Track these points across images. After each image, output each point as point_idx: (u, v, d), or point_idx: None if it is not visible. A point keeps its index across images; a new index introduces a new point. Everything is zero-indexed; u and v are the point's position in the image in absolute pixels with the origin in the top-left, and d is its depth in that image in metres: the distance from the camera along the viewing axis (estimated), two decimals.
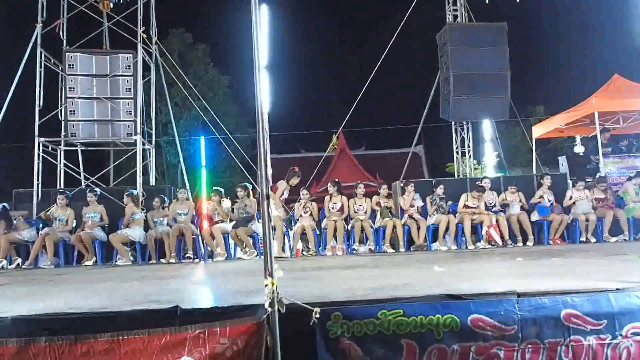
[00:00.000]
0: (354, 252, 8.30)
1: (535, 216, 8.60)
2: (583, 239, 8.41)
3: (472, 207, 8.53)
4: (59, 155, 9.96)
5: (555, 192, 8.80)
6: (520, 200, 8.72)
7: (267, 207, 2.85)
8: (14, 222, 8.11)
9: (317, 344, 2.67)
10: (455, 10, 12.02)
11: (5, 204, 8.28)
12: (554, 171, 11.44)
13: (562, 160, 11.11)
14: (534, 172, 11.92)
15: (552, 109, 16.06)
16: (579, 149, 11.33)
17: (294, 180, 8.57)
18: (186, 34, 22.15)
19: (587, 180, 9.21)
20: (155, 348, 2.56)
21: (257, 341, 2.64)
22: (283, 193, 8.41)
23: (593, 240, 8.37)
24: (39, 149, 9.31)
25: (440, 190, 8.59)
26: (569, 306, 2.70)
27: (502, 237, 8.22)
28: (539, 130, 12.30)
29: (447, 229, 8.34)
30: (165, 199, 8.56)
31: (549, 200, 8.60)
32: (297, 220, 8.51)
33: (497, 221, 8.29)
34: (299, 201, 8.64)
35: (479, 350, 2.67)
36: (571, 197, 8.70)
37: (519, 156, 21.34)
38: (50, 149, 9.66)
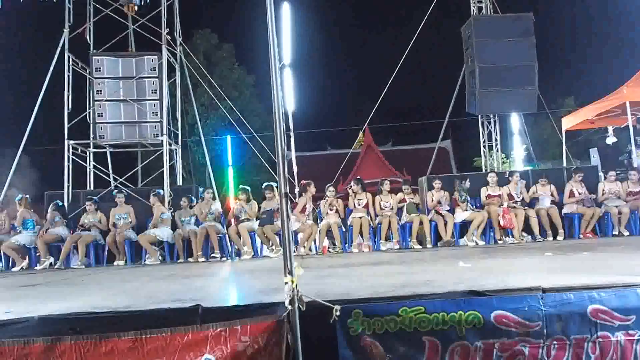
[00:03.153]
0: (381, 248, 8.26)
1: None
2: (616, 232, 8.17)
3: (494, 196, 8.44)
4: (88, 158, 10.17)
5: (587, 185, 8.59)
6: (551, 194, 8.54)
7: (286, 206, 2.85)
8: (55, 219, 8.39)
9: (338, 341, 2.66)
10: (480, 2, 11.83)
11: (58, 201, 8.65)
12: (585, 163, 11.18)
13: (594, 152, 10.87)
14: (564, 165, 11.66)
15: (583, 100, 15.70)
16: (612, 139, 11.04)
17: (311, 191, 8.49)
18: (211, 35, 22.38)
19: (618, 171, 8.96)
20: (178, 346, 2.59)
21: (277, 339, 2.64)
22: (305, 206, 8.34)
23: (626, 233, 8.13)
24: (68, 152, 9.52)
25: (467, 184, 8.52)
26: (595, 301, 2.62)
27: (508, 225, 8.15)
28: (568, 122, 12.01)
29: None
30: (193, 198, 8.67)
31: (579, 193, 8.41)
32: (323, 217, 8.51)
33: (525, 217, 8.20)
34: (325, 198, 8.63)
35: (503, 347, 2.61)
36: (604, 191, 8.47)
37: (549, 149, 20.92)
38: (79, 151, 9.88)
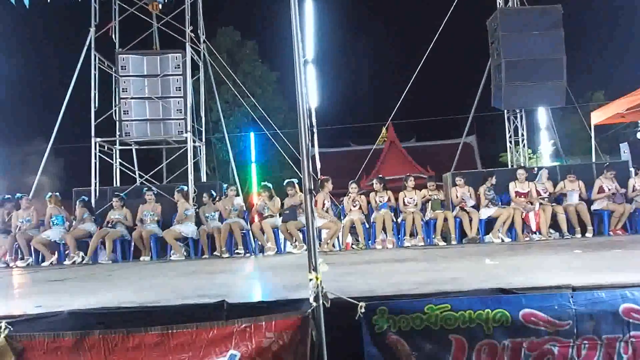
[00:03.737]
0: (404, 245, 8.21)
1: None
2: None
3: (523, 193, 8.29)
4: (114, 155, 10.33)
5: (618, 181, 8.39)
6: (580, 190, 8.37)
7: (311, 202, 2.84)
8: (84, 216, 8.54)
9: (363, 338, 2.64)
10: None
11: (84, 197, 8.83)
12: (615, 159, 10.91)
13: (624, 147, 10.60)
14: (593, 160, 11.41)
15: (613, 94, 15.31)
16: None
17: (328, 186, 8.49)
18: (234, 32, 22.47)
19: None
20: (203, 341, 2.61)
21: (302, 335, 2.63)
22: (324, 202, 8.34)
23: None
24: (95, 149, 9.66)
25: (492, 181, 8.40)
26: (628, 300, 2.55)
27: (538, 227, 7.99)
28: (598, 116, 11.72)
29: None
30: (213, 193, 8.74)
31: (609, 189, 8.22)
32: (347, 214, 8.49)
33: (553, 214, 8.05)
34: (348, 195, 8.61)
35: (532, 346, 2.56)
36: (634, 187, 8.27)
37: (578, 144, 20.49)
38: (106, 148, 10.03)
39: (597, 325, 2.55)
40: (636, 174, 8.46)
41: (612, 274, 3.27)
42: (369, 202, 8.59)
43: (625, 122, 12.60)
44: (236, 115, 20.68)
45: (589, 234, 8.01)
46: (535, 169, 9.09)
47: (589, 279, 3.03)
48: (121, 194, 8.75)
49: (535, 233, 8.09)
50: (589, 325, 2.56)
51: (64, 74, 10.24)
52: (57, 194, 8.76)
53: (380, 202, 8.45)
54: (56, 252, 8.43)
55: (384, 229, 8.22)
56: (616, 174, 8.39)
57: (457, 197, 8.49)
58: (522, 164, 11.96)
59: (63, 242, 8.33)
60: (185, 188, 8.87)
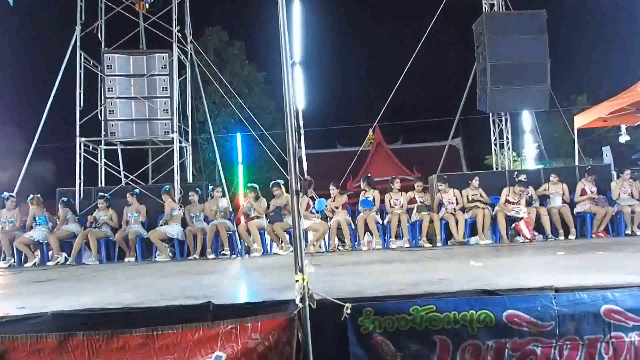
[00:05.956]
0: (390, 247, 8.24)
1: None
2: (629, 231, 8.10)
3: (512, 202, 8.34)
4: (99, 155, 10.24)
5: (599, 183, 8.52)
6: (563, 193, 8.47)
7: (297, 203, 2.84)
8: (67, 217, 8.47)
9: (349, 339, 2.66)
10: None
11: (64, 198, 8.76)
12: (598, 162, 11.05)
13: (606, 151, 10.76)
14: (576, 163, 11.55)
15: (597, 98, 15.52)
16: (624, 138, 10.93)
17: (310, 192, 8.56)
18: (222, 32, 22.39)
19: (633, 170, 8.87)
20: (189, 343, 2.60)
21: (288, 337, 2.64)
22: (309, 204, 8.37)
23: (639, 232, 8.05)
24: (80, 149, 9.57)
25: (474, 183, 8.46)
26: (609, 301, 2.60)
27: (532, 233, 8.05)
28: (581, 120, 11.87)
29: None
30: (199, 190, 8.70)
31: (591, 192, 8.33)
32: (328, 215, 8.50)
33: (536, 216, 8.12)
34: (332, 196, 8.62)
35: (515, 347, 2.60)
36: (617, 189, 8.39)
37: (562, 147, 20.75)
38: (91, 148, 9.93)
39: (579, 326, 2.60)
40: (618, 177, 8.58)
41: (594, 276, 3.32)
42: (354, 203, 8.62)
43: (607, 125, 12.77)
44: (223, 116, 20.60)
45: (572, 236, 8.11)
46: (515, 172, 9.17)
47: (571, 280, 3.07)
48: (106, 195, 8.68)
49: (519, 235, 8.16)
50: (571, 326, 2.60)
51: (49, 73, 10.14)
52: (39, 195, 8.64)
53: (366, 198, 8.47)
54: (39, 252, 8.34)
55: (369, 230, 8.25)
56: (596, 177, 8.52)
57: (444, 201, 8.51)
58: (507, 167, 12.09)
59: (46, 242, 8.24)
60: (168, 187, 8.81)
